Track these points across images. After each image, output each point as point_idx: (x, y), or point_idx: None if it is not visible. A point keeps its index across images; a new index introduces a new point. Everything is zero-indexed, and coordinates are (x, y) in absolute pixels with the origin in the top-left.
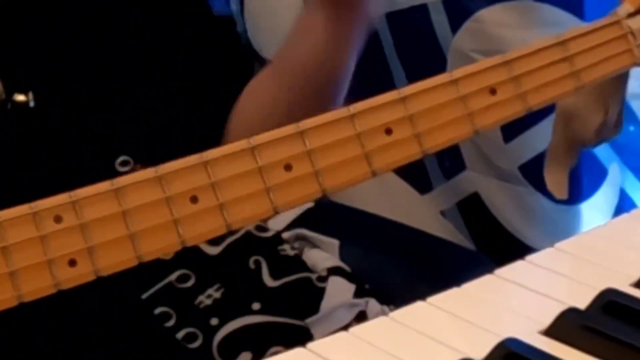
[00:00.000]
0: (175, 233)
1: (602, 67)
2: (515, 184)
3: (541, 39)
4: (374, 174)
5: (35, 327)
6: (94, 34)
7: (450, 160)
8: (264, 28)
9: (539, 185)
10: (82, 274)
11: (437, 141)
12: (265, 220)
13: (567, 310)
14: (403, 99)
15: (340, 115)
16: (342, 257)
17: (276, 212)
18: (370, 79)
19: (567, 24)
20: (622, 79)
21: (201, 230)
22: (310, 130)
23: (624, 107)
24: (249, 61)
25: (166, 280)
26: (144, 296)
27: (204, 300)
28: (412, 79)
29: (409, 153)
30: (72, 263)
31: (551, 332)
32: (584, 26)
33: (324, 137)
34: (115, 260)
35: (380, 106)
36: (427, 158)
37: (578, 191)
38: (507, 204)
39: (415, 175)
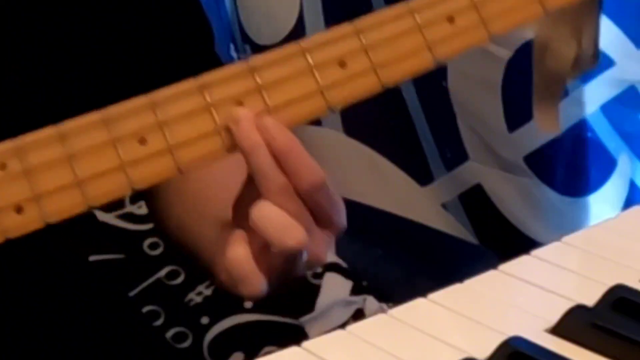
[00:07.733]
0: (124, 176)
1: None
2: (519, 175)
3: None
4: (331, 108)
5: (21, 324)
6: (62, 39)
7: (451, 151)
8: (256, 12)
9: (545, 177)
10: (29, 221)
11: (396, 73)
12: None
13: (574, 308)
14: (357, 31)
15: (291, 50)
16: (338, 253)
17: (229, 152)
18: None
19: None
20: (593, 8)
21: (151, 172)
22: (261, 66)
23: (599, 38)
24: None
25: (155, 277)
26: (132, 293)
27: (194, 297)
28: None
29: (366, 87)
30: (19, 210)
31: (558, 330)
32: None
33: (274, 73)
34: (63, 205)
35: (334, 39)
36: (427, 148)
37: (586, 183)
38: (511, 196)
39: (416, 166)
